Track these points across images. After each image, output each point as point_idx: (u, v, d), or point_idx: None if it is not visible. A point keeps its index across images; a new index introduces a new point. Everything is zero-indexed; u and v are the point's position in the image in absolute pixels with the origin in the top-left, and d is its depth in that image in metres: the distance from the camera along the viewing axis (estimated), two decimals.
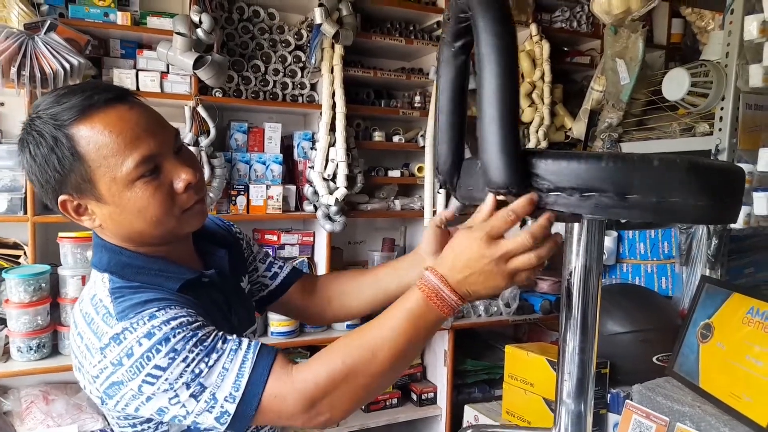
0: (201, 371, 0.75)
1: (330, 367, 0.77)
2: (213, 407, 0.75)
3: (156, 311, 0.76)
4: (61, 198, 0.81)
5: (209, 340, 0.76)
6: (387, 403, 2.48)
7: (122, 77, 2.05)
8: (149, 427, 0.84)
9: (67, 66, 1.83)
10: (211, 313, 0.82)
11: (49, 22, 1.84)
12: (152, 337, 0.74)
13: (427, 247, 1.00)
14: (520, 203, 0.74)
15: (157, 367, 0.73)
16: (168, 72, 2.12)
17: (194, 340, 0.75)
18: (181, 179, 0.82)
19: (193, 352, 0.74)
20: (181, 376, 0.74)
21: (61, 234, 1.91)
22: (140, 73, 2.09)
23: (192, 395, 0.75)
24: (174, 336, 0.74)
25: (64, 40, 1.86)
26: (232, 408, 0.75)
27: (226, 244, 1.01)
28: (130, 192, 0.79)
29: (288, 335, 2.21)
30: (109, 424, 1.96)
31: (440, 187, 0.95)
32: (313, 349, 2.23)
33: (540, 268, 0.77)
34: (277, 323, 2.21)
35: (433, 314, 0.78)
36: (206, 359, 0.75)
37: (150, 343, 0.74)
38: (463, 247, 0.76)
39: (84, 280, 1.90)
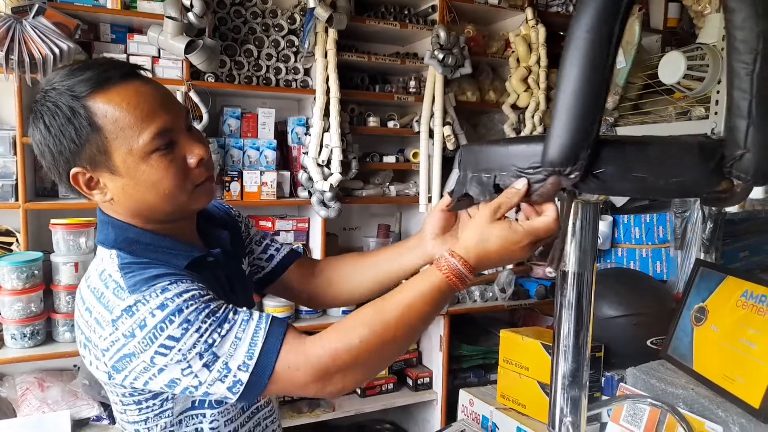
0: (214, 341, 0.75)
1: (346, 342, 0.78)
2: (226, 376, 0.76)
3: (168, 284, 0.76)
4: (74, 170, 0.81)
5: (221, 311, 0.77)
6: (383, 388, 2.49)
7: None
8: (155, 404, 0.84)
9: (57, 50, 1.80)
10: (215, 292, 0.82)
11: (37, 5, 1.81)
12: (165, 309, 0.74)
13: (432, 230, 1.00)
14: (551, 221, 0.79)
15: (170, 337, 0.74)
16: (159, 57, 2.09)
17: (207, 311, 0.76)
18: (194, 154, 0.83)
19: (206, 322, 0.75)
20: (194, 347, 0.75)
21: (53, 221, 1.90)
22: (131, 57, 2.06)
23: (205, 365, 0.75)
24: (187, 307, 0.75)
25: (53, 24, 1.83)
26: (245, 377, 0.76)
27: (227, 226, 1.01)
28: (146, 164, 0.80)
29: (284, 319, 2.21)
30: (105, 410, 1.96)
31: (568, 173, 0.72)
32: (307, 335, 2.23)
33: None
34: (272, 309, 2.21)
35: (451, 293, 0.81)
36: (219, 329, 0.76)
37: (163, 314, 0.74)
38: (503, 247, 0.79)
39: (77, 266, 1.88)
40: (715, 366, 1.29)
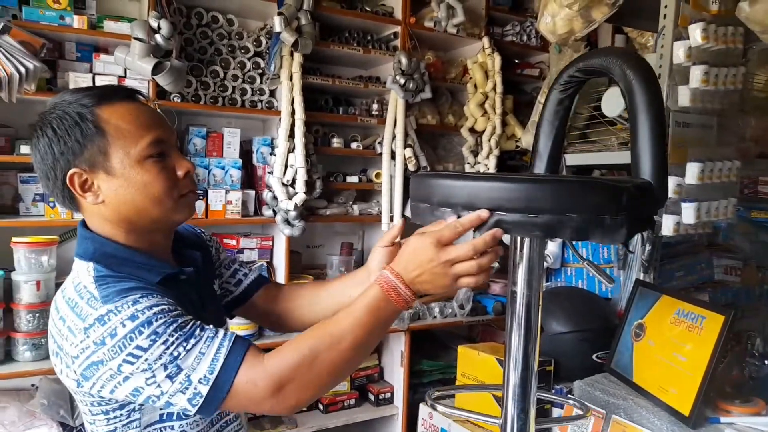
0: (179, 354, 0.81)
1: (297, 353, 0.84)
2: (187, 388, 0.81)
3: (140, 297, 0.82)
4: (72, 171, 0.88)
5: (188, 326, 0.83)
6: (345, 404, 2.53)
7: (78, 81, 2.03)
8: (121, 414, 0.88)
9: (23, 70, 1.81)
10: (186, 310, 0.87)
11: (2, 24, 1.82)
12: (136, 320, 0.80)
13: (376, 264, 1.07)
14: (468, 218, 0.82)
15: (138, 347, 0.79)
16: (125, 76, 2.12)
17: (174, 325, 0.81)
18: (183, 167, 0.93)
19: (173, 336, 0.81)
20: (160, 358, 0.80)
21: (14, 239, 1.88)
22: (97, 77, 2.08)
23: (168, 376, 0.80)
24: (156, 320, 0.80)
25: (18, 43, 1.84)
26: (205, 390, 0.81)
27: (198, 248, 1.07)
28: (140, 167, 0.89)
29: (247, 338, 2.24)
30: (64, 429, 1.94)
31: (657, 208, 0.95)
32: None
33: (483, 276, 0.86)
34: (236, 326, 2.23)
35: (391, 307, 0.87)
36: (185, 343, 0.81)
37: (133, 325, 0.79)
38: (416, 250, 0.86)
39: (39, 285, 1.87)
40: (652, 378, 1.40)
